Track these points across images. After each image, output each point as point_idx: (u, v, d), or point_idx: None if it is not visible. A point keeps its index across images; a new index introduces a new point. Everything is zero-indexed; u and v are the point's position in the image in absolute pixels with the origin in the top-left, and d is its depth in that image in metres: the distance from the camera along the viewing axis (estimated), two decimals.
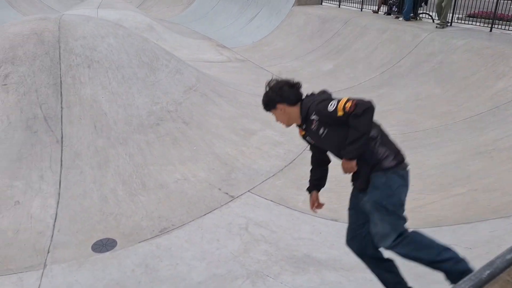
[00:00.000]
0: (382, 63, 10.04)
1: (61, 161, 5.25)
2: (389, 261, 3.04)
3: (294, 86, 2.83)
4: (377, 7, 13.61)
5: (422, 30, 10.30)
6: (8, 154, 5.17)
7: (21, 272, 4.05)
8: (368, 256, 3.03)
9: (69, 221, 4.69)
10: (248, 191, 5.43)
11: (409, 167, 2.78)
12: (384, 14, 13.18)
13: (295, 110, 2.80)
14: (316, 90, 2.92)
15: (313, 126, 2.74)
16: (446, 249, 2.71)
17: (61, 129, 5.53)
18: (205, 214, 4.96)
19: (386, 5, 13.30)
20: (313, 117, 2.70)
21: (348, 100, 2.56)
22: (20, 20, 7.04)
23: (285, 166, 6.02)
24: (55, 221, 4.66)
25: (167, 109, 6.29)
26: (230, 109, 7.13)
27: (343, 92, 8.86)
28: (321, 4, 15.74)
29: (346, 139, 2.58)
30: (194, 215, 4.95)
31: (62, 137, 5.47)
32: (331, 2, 15.68)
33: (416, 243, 2.71)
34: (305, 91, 2.87)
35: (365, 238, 2.97)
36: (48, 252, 4.30)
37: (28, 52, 6.03)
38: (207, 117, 6.60)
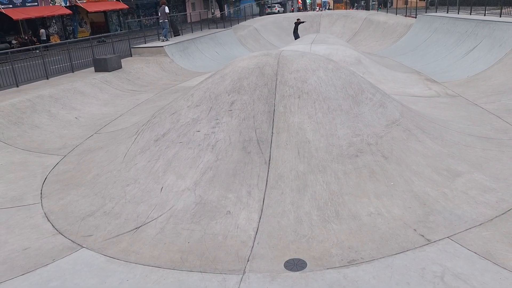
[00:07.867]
0: None
1: (267, 181, 5.85)
2: None
3: None
4: None
5: None
6: (226, 169, 6.04)
7: (225, 274, 4.65)
8: None
9: (268, 236, 5.16)
10: (448, 237, 4.99)
11: None
12: None
13: None
14: None
15: None
16: None
17: (270, 152, 6.18)
18: (396, 254, 4.77)
19: None
20: None
21: None
22: (247, 55, 8.20)
23: (496, 217, 5.30)
24: (256, 234, 5.20)
25: (367, 141, 6.34)
26: (434, 147, 6.71)
27: None
28: None
29: None
30: (384, 252, 4.82)
31: (269, 159, 6.10)
32: None
33: None
34: None
35: None
36: (248, 261, 4.81)
37: (251, 83, 7.00)
38: (408, 153, 6.37)
